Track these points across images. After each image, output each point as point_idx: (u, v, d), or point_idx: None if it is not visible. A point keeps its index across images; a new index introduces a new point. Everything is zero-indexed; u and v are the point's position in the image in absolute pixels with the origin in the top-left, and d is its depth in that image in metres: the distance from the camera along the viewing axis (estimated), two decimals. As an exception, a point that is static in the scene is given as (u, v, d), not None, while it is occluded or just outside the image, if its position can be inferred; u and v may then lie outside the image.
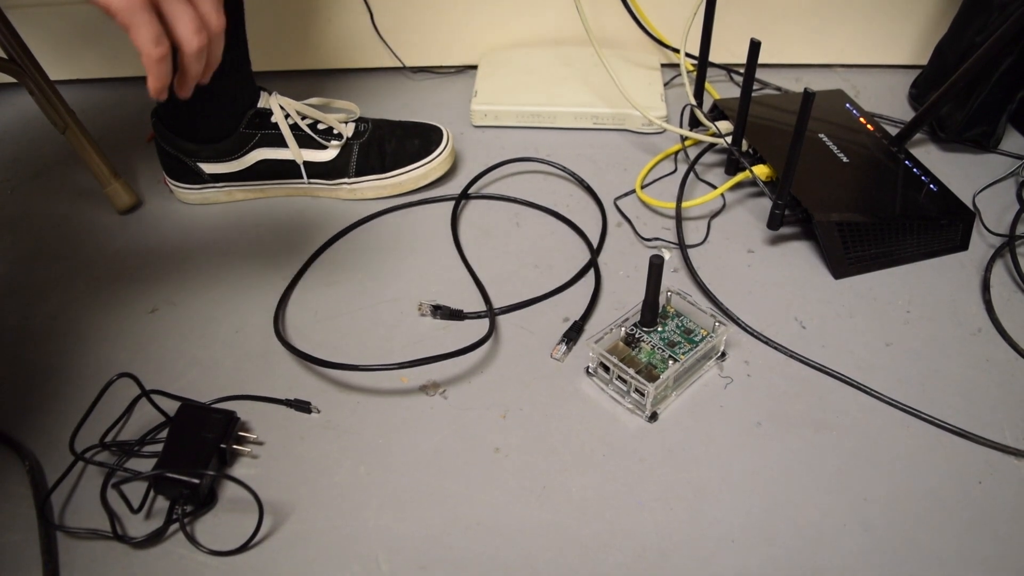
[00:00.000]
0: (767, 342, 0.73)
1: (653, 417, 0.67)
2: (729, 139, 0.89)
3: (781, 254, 0.83)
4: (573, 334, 0.73)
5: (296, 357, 0.72)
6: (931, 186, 0.84)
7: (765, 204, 0.88)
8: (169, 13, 0.51)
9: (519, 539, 0.59)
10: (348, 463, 0.64)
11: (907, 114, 1.03)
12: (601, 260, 0.82)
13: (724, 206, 0.89)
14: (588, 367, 0.70)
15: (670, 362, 0.67)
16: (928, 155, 0.96)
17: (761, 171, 0.85)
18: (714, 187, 0.90)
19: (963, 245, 0.83)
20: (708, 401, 0.68)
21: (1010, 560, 0.58)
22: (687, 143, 0.97)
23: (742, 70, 0.82)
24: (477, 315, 0.76)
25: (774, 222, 0.81)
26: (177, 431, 0.63)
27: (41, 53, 0.85)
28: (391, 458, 0.64)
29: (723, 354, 0.72)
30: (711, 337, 0.70)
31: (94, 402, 0.64)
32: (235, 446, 0.63)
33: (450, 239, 0.85)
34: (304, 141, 0.85)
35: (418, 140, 0.88)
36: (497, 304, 0.77)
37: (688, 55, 1.04)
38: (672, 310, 0.73)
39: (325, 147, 0.86)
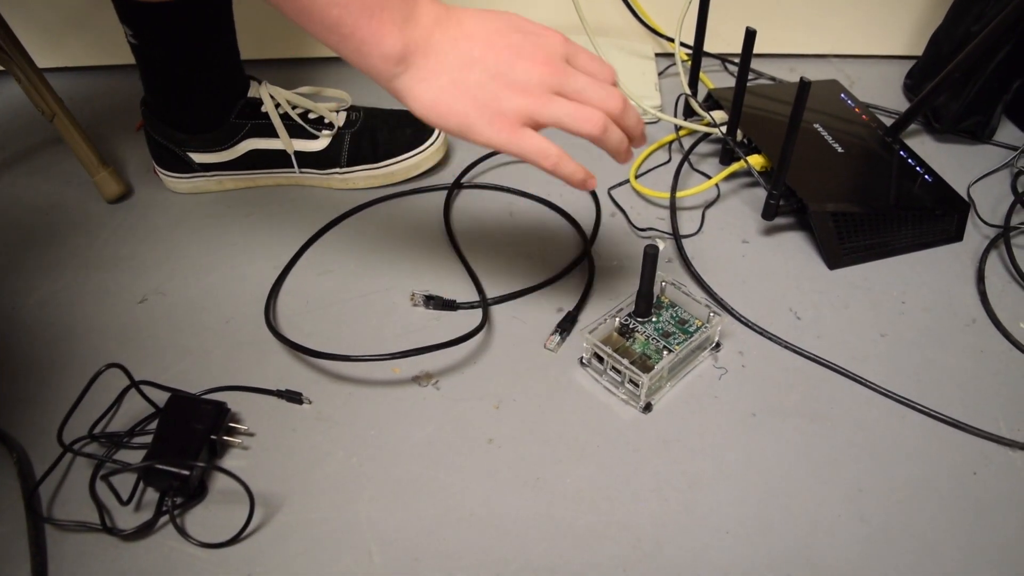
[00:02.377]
0: (762, 333, 0.73)
1: (647, 408, 0.66)
2: (724, 129, 0.89)
3: (776, 244, 0.82)
4: (567, 324, 0.73)
5: (287, 347, 0.71)
6: (926, 177, 0.84)
7: (760, 194, 0.88)
8: (577, 95, 0.56)
9: (512, 530, 0.59)
10: (340, 454, 0.63)
11: (902, 104, 1.03)
12: (595, 250, 0.82)
13: (718, 196, 0.88)
14: (582, 358, 0.70)
15: (664, 353, 0.67)
16: (923, 146, 0.96)
17: (756, 161, 0.85)
18: (708, 177, 0.89)
19: (958, 236, 0.83)
20: (703, 392, 0.68)
21: (1004, 550, 0.57)
22: (681, 133, 0.96)
23: (737, 60, 0.82)
24: (470, 305, 0.75)
25: (769, 212, 0.81)
26: (167, 422, 0.62)
27: (28, 40, 0.84)
28: (383, 449, 0.64)
29: (717, 344, 0.71)
30: (705, 327, 0.69)
31: (82, 393, 0.63)
32: (225, 437, 0.63)
33: (443, 229, 0.84)
34: (295, 131, 0.84)
35: (410, 129, 0.88)
36: (490, 294, 0.76)
37: (683, 44, 1.04)
38: (666, 300, 0.72)
39: (316, 137, 0.85)
